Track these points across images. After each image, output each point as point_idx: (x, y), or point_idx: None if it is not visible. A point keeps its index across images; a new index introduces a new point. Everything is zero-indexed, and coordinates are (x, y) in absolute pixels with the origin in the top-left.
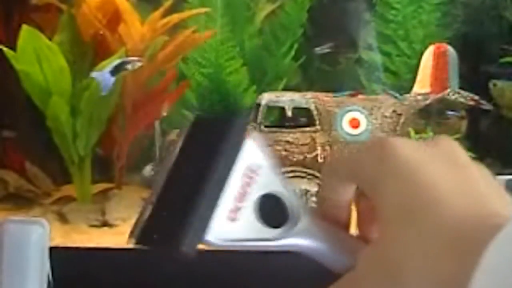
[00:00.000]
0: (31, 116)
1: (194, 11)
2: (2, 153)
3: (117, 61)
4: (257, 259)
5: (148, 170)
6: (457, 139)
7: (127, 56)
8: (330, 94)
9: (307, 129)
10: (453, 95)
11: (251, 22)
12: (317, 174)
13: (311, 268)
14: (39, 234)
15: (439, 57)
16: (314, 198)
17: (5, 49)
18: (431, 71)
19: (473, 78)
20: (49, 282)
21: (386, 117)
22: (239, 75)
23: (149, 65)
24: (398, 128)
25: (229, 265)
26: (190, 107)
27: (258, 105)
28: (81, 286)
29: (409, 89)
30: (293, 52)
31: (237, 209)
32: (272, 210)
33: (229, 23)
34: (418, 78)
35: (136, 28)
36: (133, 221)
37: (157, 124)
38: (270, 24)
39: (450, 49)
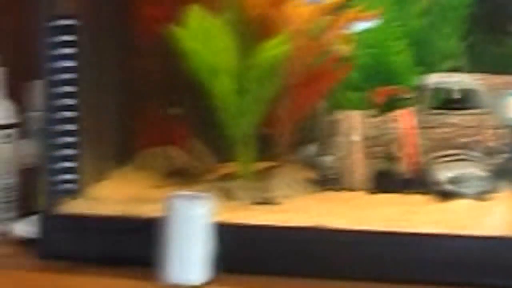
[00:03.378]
0: (197, 94)
1: None
2: (169, 130)
3: None
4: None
5: (312, 149)
6: None
7: (291, 37)
8: (499, 76)
9: (475, 111)
10: None
11: (418, 1)
12: (484, 158)
13: None
14: (206, 209)
15: None
16: (479, 182)
17: (175, 28)
18: None
19: None
20: (213, 256)
21: None
22: (405, 55)
23: (314, 45)
24: None
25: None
26: (354, 88)
27: (424, 86)
28: (245, 263)
29: None
30: (460, 32)
31: None
32: None
33: (396, 2)
34: None
35: (302, 7)
36: (296, 199)
37: (321, 104)
38: (437, 4)
39: None
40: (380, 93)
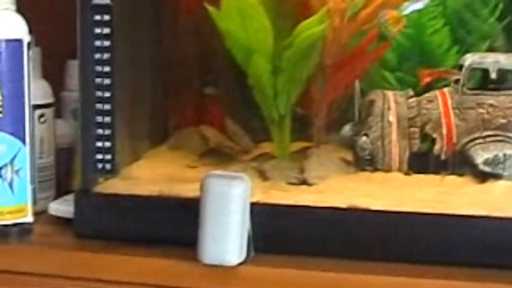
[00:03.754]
0: (232, 74)
1: None
2: (204, 109)
3: None
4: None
5: (347, 129)
6: None
7: (327, 17)
8: None
9: None
10: None
11: None
12: None
13: None
14: (241, 189)
15: None
16: None
17: (210, 7)
18: None
19: None
20: (249, 236)
21: None
22: (441, 35)
23: (350, 24)
24: None
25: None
26: (390, 68)
27: (461, 66)
28: (279, 243)
29: None
30: (498, 12)
31: None
32: None
33: None
34: None
35: None
36: (331, 180)
37: (356, 84)
38: None
39: None
40: (426, 75)
